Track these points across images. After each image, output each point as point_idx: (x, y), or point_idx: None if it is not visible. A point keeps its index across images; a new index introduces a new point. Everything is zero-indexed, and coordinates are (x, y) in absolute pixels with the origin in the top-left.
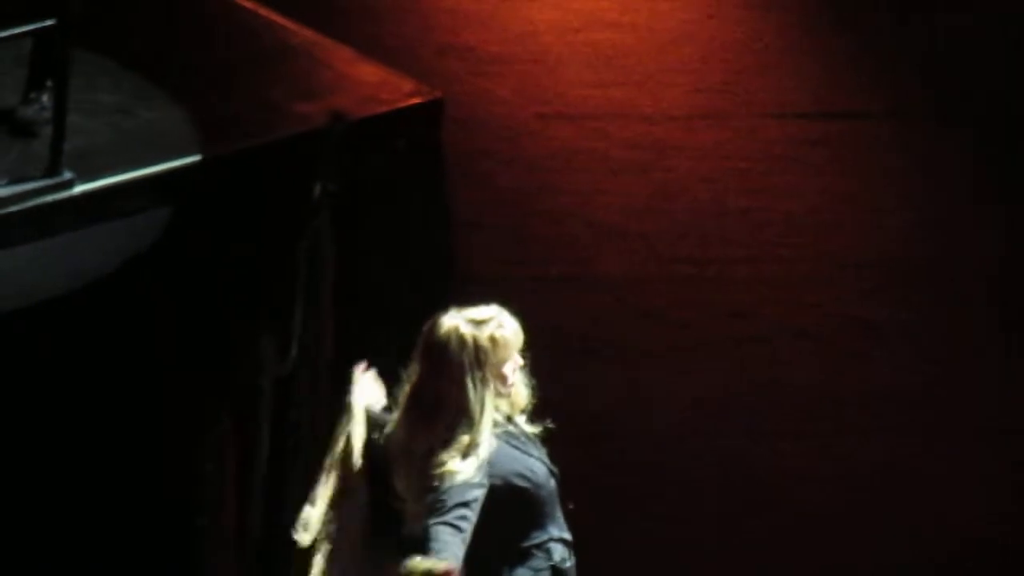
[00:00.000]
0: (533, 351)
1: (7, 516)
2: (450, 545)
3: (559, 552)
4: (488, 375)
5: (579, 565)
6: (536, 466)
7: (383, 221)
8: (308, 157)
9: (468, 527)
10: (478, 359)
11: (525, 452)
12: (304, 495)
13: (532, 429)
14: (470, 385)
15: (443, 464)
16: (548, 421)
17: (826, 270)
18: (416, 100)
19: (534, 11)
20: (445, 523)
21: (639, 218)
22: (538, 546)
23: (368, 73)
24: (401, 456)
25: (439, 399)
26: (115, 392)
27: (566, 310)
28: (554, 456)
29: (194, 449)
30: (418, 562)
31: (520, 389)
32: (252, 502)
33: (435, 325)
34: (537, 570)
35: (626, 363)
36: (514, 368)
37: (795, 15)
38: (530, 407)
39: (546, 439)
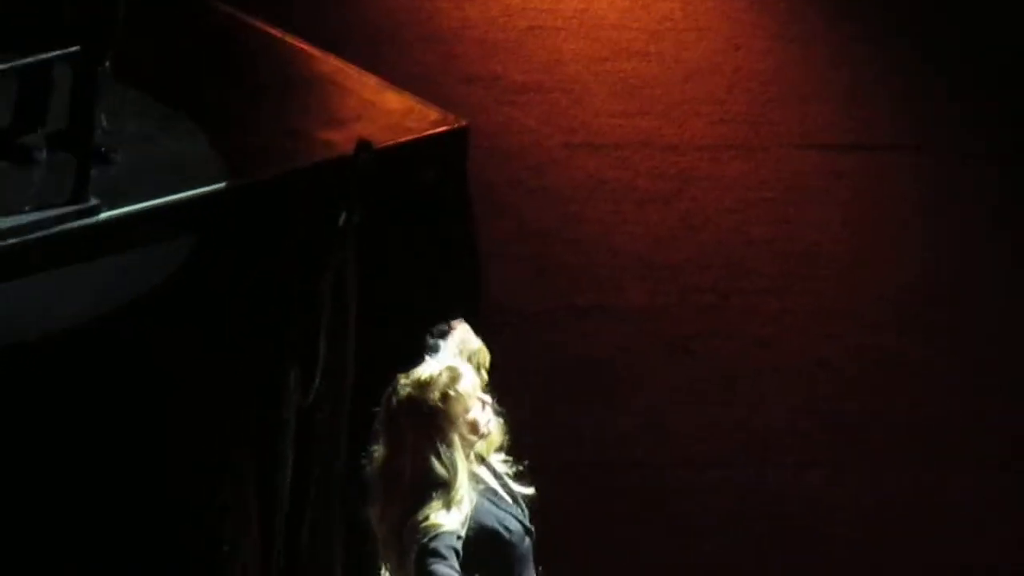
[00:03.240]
0: (556, 379)
1: (20, 545)
2: None
3: None
4: (451, 433)
5: None
6: (512, 524)
7: (408, 251)
8: (333, 185)
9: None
10: (434, 423)
11: (503, 509)
12: (326, 526)
13: (522, 490)
14: (433, 452)
15: (427, 519)
16: (533, 490)
17: (850, 300)
18: (442, 129)
19: (560, 40)
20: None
21: (664, 248)
22: None
23: (394, 101)
24: (376, 526)
25: (403, 471)
26: (137, 422)
27: (590, 340)
28: (551, 505)
29: (216, 482)
30: None
31: (493, 427)
32: (275, 534)
33: (389, 395)
34: None
35: (649, 392)
36: (482, 410)
37: (821, 47)
38: (506, 443)
39: (531, 503)
